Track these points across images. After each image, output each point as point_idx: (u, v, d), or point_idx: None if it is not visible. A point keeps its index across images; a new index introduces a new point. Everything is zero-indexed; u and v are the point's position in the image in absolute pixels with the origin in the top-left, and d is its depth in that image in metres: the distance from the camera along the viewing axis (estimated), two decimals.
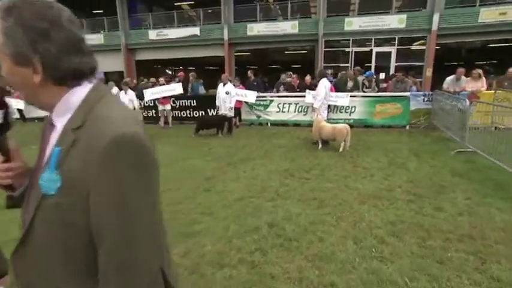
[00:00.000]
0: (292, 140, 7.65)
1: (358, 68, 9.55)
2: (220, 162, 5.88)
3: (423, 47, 13.32)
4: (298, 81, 9.62)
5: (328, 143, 6.78)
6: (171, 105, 10.32)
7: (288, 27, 14.60)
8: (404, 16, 12.88)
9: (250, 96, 9.50)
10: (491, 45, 16.61)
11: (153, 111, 10.80)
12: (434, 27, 12.60)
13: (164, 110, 10.07)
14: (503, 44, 16.38)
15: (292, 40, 14.93)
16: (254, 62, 22.30)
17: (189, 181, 4.86)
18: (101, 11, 19.02)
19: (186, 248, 2.92)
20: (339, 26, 13.80)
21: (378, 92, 8.82)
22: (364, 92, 8.89)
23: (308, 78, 9.53)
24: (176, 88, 10.02)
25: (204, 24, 16.45)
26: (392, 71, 13.31)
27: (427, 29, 12.84)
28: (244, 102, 9.73)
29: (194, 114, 10.54)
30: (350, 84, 8.87)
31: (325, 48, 14.34)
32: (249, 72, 10.58)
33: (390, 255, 2.73)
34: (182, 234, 3.17)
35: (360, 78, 9.13)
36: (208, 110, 10.01)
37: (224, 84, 8.42)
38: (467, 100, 6.06)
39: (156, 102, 10.16)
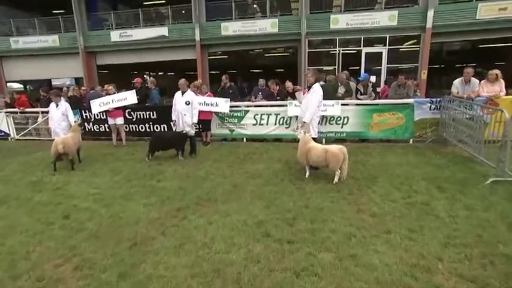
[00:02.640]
0: (271, 163, 5.92)
1: (345, 72, 7.97)
2: (166, 206, 4.07)
3: (417, 47, 11.99)
4: (278, 87, 7.95)
5: (318, 168, 5.10)
6: (126, 118, 8.44)
7: (267, 25, 13.00)
8: (395, 12, 11.55)
9: (222, 104, 7.73)
10: (481, 45, 15.63)
11: (106, 125, 8.84)
12: (429, 24, 11.31)
13: (115, 124, 8.13)
14: (493, 45, 15.42)
15: (272, 40, 13.34)
16: (232, 66, 20.67)
17: (105, 250, 3.03)
18: (62, 11, 16.86)
19: None
20: (323, 23, 12.32)
21: (375, 98, 7.25)
22: (358, 99, 7.31)
23: (289, 84, 7.86)
24: (128, 97, 8.13)
25: (173, 24, 14.63)
26: (383, 74, 11.94)
27: (421, 27, 11.54)
28: (214, 113, 7.98)
29: (155, 128, 8.68)
30: (341, 90, 7.28)
31: (309, 49, 12.81)
32: (223, 76, 8.81)
33: None
34: None
35: (352, 83, 7.55)
36: (172, 124, 8.17)
37: (183, 93, 6.61)
38: (505, 111, 4.51)
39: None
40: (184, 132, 6.51)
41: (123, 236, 3.33)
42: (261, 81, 8.32)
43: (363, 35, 12.12)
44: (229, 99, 7.66)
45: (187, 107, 6.58)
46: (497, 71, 6.56)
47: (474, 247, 2.80)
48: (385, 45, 12.06)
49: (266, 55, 19.10)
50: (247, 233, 3.29)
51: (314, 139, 5.23)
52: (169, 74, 26.66)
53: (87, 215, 3.87)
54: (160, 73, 27.59)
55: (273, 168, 5.58)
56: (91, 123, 9.07)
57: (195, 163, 6.19)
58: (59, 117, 6.77)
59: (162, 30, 14.56)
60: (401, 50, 12.39)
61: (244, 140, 8.08)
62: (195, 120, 6.64)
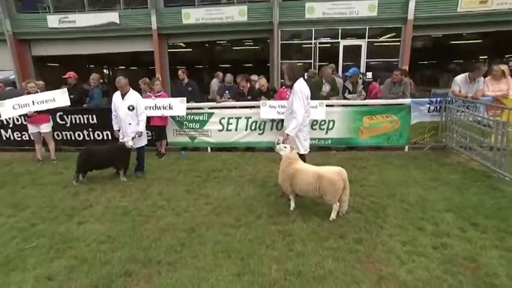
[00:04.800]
0: (242, 186, 4.47)
1: (331, 65, 6.73)
2: (74, 282, 2.49)
3: (398, 40, 11.13)
4: (248, 84, 6.51)
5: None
6: (57, 123, 6.60)
7: (234, 13, 11.45)
8: (375, 2, 10.55)
9: (177, 106, 6.15)
10: (453, 41, 15.40)
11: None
12: (410, 16, 10.45)
13: (39, 133, 6.20)
14: (464, 41, 15.24)
15: (241, 30, 11.82)
16: (197, 60, 18.87)
17: None
18: None
19: None
20: (298, 12, 11.04)
21: (365, 98, 6.06)
22: (346, 99, 6.08)
23: (263, 82, 6.46)
24: (57, 97, 6.25)
25: (124, 9, 12.55)
26: (363, 69, 10.94)
27: (402, 18, 10.65)
28: (171, 117, 6.37)
29: (95, 136, 6.88)
30: (326, 88, 6.00)
31: (282, 40, 11.47)
32: (179, 71, 7.12)
33: None
34: None
35: (338, 79, 6.32)
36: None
37: (124, 95, 4.94)
38: None
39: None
40: (122, 143, 4.85)
41: None
42: (228, 77, 6.80)
43: (340, 26, 11.03)
44: (185, 99, 6.09)
45: (132, 113, 4.93)
46: (503, 67, 5.64)
47: None
48: (364, 38, 11.07)
49: (235, 48, 17.54)
50: None
51: (301, 156, 3.87)
52: (132, 68, 24.11)
53: None
54: (121, 67, 24.93)
55: (245, 195, 4.15)
56: (9, 130, 7.03)
57: (140, 187, 4.59)
58: None
59: (112, 17, 12.43)
60: (381, 43, 11.49)
61: (209, 149, 6.56)
62: (141, 128, 5.00)
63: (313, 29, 11.23)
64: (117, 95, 4.99)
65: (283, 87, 6.24)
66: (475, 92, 5.51)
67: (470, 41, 15.72)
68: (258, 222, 3.39)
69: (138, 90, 6.76)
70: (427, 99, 5.94)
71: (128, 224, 3.46)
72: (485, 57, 18.47)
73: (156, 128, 6.27)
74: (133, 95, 4.98)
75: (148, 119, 6.12)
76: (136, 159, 5.19)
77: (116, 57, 18.27)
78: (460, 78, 5.84)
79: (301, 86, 3.74)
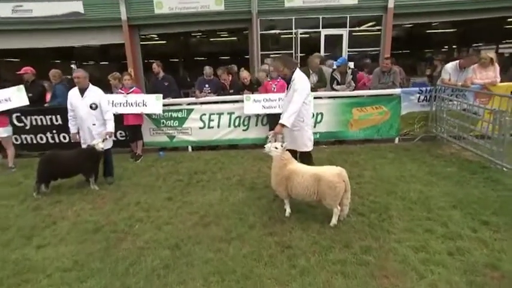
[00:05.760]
0: (230, 190, 4.05)
1: (318, 54, 6.39)
2: None
3: (378, 29, 10.96)
4: (230, 77, 6.03)
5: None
6: (15, 126, 5.83)
7: (210, 2, 10.77)
8: None
9: (152, 103, 5.61)
10: (428, 31, 15.60)
11: None
12: (391, 4, 10.29)
13: None
14: (439, 30, 15.46)
15: (217, 20, 11.17)
16: (173, 53, 17.98)
17: None
18: None
19: None
20: (277, 1, 10.55)
21: (355, 89, 5.76)
22: (334, 90, 5.77)
23: (245, 74, 6.02)
24: (13, 96, 5.50)
25: None
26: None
27: (382, 7, 10.46)
28: (146, 115, 5.80)
29: (61, 138, 6.17)
30: (314, 78, 5.65)
31: (261, 30, 10.99)
32: (154, 65, 6.49)
33: None
34: None
35: (325, 68, 5.99)
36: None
37: (82, 91, 4.30)
38: None
39: None
40: (91, 146, 4.26)
41: None
42: (208, 70, 6.25)
43: (321, 14, 10.68)
44: (161, 96, 5.56)
45: (96, 112, 4.33)
46: (491, 54, 5.55)
47: None
48: (345, 27, 10.81)
49: (212, 39, 16.84)
50: None
51: (293, 154, 3.49)
52: (102, 63, 22.55)
53: None
54: (91, 62, 23.31)
55: (234, 200, 3.74)
56: None
57: (114, 196, 4.05)
58: None
59: (76, 6, 11.34)
60: (362, 33, 11.27)
61: (190, 149, 6.06)
62: (110, 128, 4.41)
63: (294, 18, 10.81)
64: (74, 92, 4.34)
65: (268, 79, 5.82)
66: (465, 80, 5.38)
67: (444, 30, 15.99)
68: (251, 233, 2.99)
69: (108, 86, 6.14)
70: (416, 89, 5.75)
71: (99, 243, 2.95)
72: (455, 46, 18.95)
73: (130, 128, 5.68)
74: (94, 91, 4.36)
75: (121, 118, 5.55)
76: (103, 164, 4.61)
77: (84, 51, 16.96)
78: (450, 66, 5.69)
79: (303, 79, 3.41)
